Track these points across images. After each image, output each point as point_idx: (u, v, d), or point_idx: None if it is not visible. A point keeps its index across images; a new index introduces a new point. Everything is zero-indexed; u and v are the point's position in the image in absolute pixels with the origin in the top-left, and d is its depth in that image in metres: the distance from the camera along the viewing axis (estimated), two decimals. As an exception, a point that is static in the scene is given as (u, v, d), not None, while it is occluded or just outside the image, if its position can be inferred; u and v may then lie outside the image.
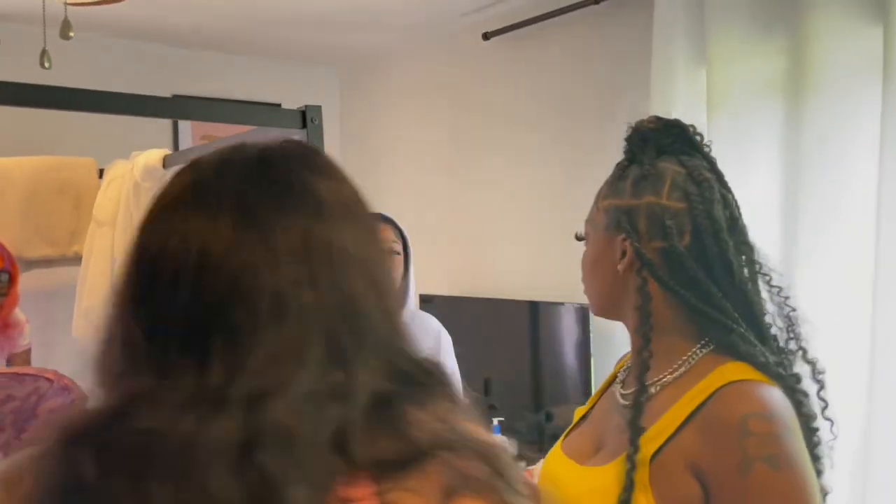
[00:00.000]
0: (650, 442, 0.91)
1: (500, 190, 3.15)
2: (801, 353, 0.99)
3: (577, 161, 2.80)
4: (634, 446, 0.91)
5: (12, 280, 2.40)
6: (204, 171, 0.65)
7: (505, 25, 2.97)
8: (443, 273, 3.36)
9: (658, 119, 1.05)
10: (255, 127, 1.59)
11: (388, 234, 2.00)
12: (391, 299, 0.65)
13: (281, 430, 0.54)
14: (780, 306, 0.99)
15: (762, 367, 0.92)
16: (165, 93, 3.51)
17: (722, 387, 0.90)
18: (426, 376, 0.64)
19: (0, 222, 2.52)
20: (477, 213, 3.29)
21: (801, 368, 0.99)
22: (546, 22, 2.81)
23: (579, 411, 1.15)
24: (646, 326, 0.98)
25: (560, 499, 1.01)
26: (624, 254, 1.00)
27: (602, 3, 2.58)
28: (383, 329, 0.63)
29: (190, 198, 0.63)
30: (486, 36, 3.05)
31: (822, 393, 1.00)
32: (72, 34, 1.51)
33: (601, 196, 1.07)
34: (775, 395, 0.90)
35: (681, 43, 2.24)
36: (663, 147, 1.03)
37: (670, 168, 1.00)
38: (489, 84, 3.20)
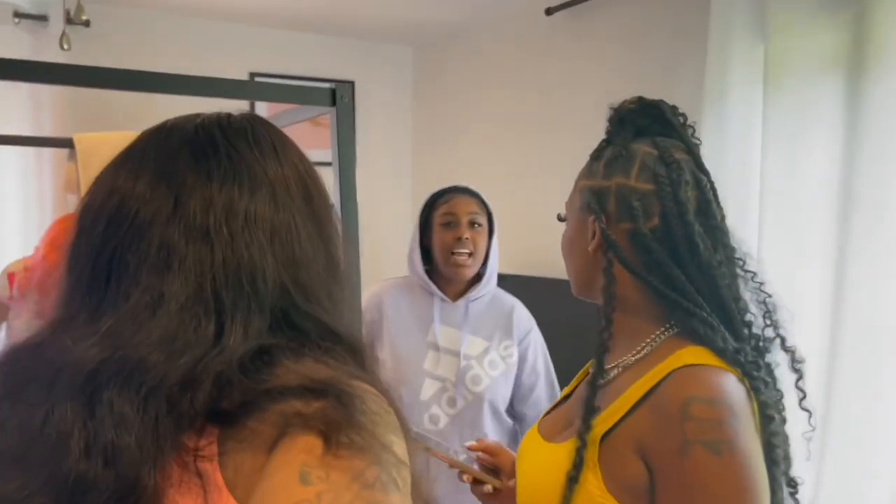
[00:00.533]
0: (604, 422, 0.92)
1: (568, 166, 3.11)
2: (779, 340, 0.97)
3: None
4: (586, 425, 0.92)
5: None
6: (144, 136, 0.71)
7: (567, 0, 2.94)
8: (510, 251, 3.37)
9: (640, 100, 1.04)
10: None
11: (472, 207, 2.02)
12: (308, 266, 0.68)
13: (129, 367, 0.58)
14: (754, 292, 0.97)
15: (720, 353, 0.91)
16: (242, 71, 3.67)
17: (675, 370, 0.89)
18: (329, 339, 0.66)
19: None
20: (546, 190, 3.27)
21: (779, 356, 0.96)
22: (607, -4, 2.76)
23: (566, 390, 1.16)
24: (608, 308, 0.98)
25: (522, 473, 1.03)
26: (594, 235, 0.99)
27: (663, -23, 2.52)
28: (282, 293, 0.65)
29: (125, 157, 0.69)
30: (548, 11, 3.03)
31: (800, 383, 0.98)
32: (84, 17, 1.61)
33: (579, 177, 1.07)
34: (727, 382, 0.88)
35: (740, 16, 2.16)
36: (641, 128, 1.02)
37: (642, 149, 0.99)
38: (551, 60, 3.17)
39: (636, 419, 0.90)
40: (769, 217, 2.09)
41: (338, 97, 1.54)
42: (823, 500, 1.94)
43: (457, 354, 1.99)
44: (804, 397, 0.98)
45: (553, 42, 3.15)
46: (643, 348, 0.97)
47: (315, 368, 0.62)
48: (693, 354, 0.91)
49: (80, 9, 1.68)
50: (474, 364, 1.98)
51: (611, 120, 1.06)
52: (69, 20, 3.18)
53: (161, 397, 0.57)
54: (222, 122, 0.71)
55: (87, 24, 3.35)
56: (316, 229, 0.70)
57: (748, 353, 0.92)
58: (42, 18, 3.18)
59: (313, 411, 0.57)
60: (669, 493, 0.85)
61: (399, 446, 0.60)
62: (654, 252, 0.95)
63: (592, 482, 0.90)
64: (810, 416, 0.98)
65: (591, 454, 0.91)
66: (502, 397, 2.02)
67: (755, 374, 0.91)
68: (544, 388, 2.09)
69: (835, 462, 1.93)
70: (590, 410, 0.93)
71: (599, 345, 0.98)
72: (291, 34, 3.80)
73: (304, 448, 0.56)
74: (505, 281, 3.30)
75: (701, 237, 0.94)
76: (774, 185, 2.08)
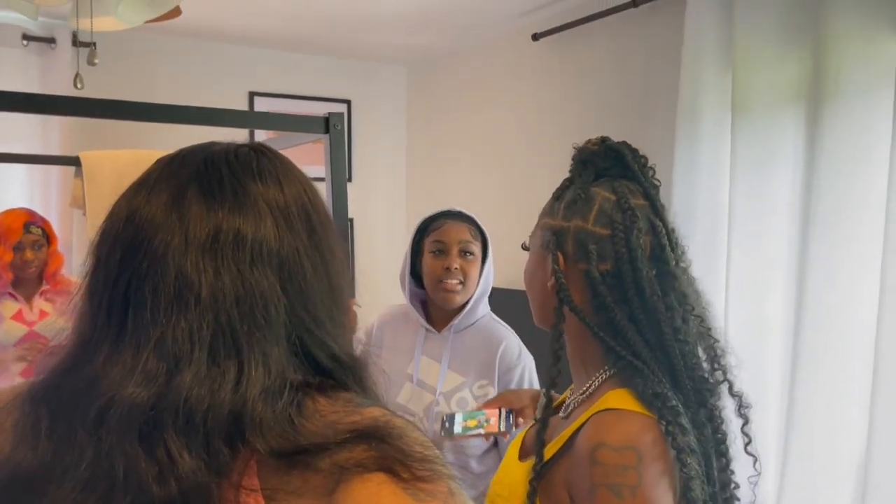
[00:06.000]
0: (549, 451, 0.99)
1: (549, 184, 3.25)
2: (727, 385, 1.01)
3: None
4: (539, 457, 0.98)
5: (49, 237, 2.77)
6: (160, 163, 0.73)
7: (552, 27, 3.09)
8: (503, 266, 3.49)
9: (602, 141, 1.08)
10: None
11: (464, 234, 1.91)
12: (314, 294, 0.69)
13: (179, 409, 0.60)
14: (701, 337, 1.00)
15: (639, 397, 0.94)
16: (242, 91, 3.80)
17: (597, 413, 0.94)
18: (341, 369, 0.69)
19: (91, 208, 2.82)
20: (535, 205, 3.39)
21: (726, 402, 1.00)
22: (589, 24, 2.91)
23: (557, 402, 1.19)
24: (556, 345, 1.02)
25: (496, 482, 1.09)
26: (552, 273, 1.03)
27: (640, 7, 2.66)
28: (294, 322, 0.67)
29: (141, 184, 0.71)
30: (535, 37, 3.17)
31: (745, 428, 1.02)
32: (97, 61, 1.72)
33: (542, 213, 1.11)
34: (639, 427, 0.92)
35: (709, 47, 2.30)
36: (601, 170, 1.06)
37: (601, 194, 1.03)
38: (538, 82, 3.32)
39: (567, 456, 0.95)
40: (737, 235, 2.23)
41: (331, 125, 1.67)
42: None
43: (431, 390, 1.89)
44: (749, 442, 1.02)
45: (539, 66, 3.30)
46: (589, 387, 1.02)
47: (347, 412, 0.64)
48: (617, 398, 0.95)
49: (92, 51, 1.78)
50: (442, 401, 1.87)
51: (574, 159, 1.09)
52: (75, 42, 3.32)
53: (214, 439, 0.60)
54: (230, 156, 0.73)
55: (93, 46, 3.50)
56: (319, 257, 0.71)
57: (669, 399, 0.93)
58: (50, 41, 3.31)
59: (369, 456, 0.60)
60: None
61: (445, 461, 0.64)
62: (601, 295, 0.98)
63: None
64: (755, 461, 1.02)
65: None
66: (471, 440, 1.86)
67: (671, 419, 0.92)
68: None
69: (795, 474, 2.05)
70: (540, 444, 0.99)
71: (548, 380, 1.04)
72: (290, 55, 3.94)
73: (381, 482, 0.59)
74: (498, 295, 3.42)
75: (649, 282, 0.97)
76: (742, 205, 2.21)
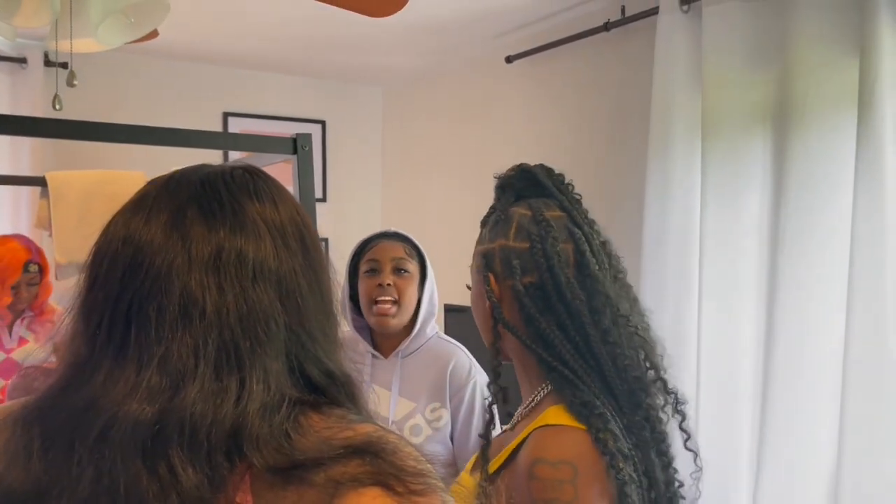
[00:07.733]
0: (494, 464, 1.01)
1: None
2: (661, 384, 1.02)
3: (590, 177, 2.90)
4: (485, 474, 1.00)
5: (43, 271, 2.74)
6: (155, 185, 0.74)
7: (525, 50, 3.11)
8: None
9: (518, 167, 1.13)
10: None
11: (397, 252, 1.89)
12: (309, 311, 0.71)
13: (184, 424, 0.61)
14: (629, 337, 1.01)
15: (569, 409, 0.97)
16: (217, 112, 3.79)
17: (536, 429, 0.97)
18: (334, 385, 0.70)
19: (57, 229, 2.78)
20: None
21: (662, 399, 1.02)
22: (562, 47, 2.93)
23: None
24: (494, 363, 1.05)
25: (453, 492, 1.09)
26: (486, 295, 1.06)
27: (612, 31, 2.69)
28: (292, 338, 0.68)
29: (137, 205, 0.72)
30: (509, 59, 3.20)
31: (683, 424, 1.04)
32: (76, 82, 1.71)
33: (476, 243, 1.14)
34: (573, 441, 0.94)
35: (679, 70, 2.33)
36: (520, 192, 1.11)
37: (518, 212, 1.08)
38: (511, 104, 3.34)
39: (508, 470, 0.98)
40: (708, 255, 2.24)
41: (299, 146, 1.66)
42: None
43: (383, 420, 1.71)
44: (688, 438, 1.04)
45: (513, 88, 3.32)
46: (532, 400, 1.04)
47: (341, 428, 0.65)
48: (554, 415, 0.98)
49: (72, 73, 1.76)
50: (394, 430, 1.78)
51: (495, 188, 1.15)
52: (47, 62, 3.29)
53: (215, 454, 0.61)
54: (226, 177, 0.74)
55: (70, 67, 3.47)
56: (313, 275, 0.73)
57: (596, 407, 0.96)
58: (21, 61, 3.28)
59: (364, 471, 0.61)
60: None
61: (438, 475, 0.65)
62: (526, 307, 1.02)
63: None
64: (696, 457, 1.05)
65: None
66: None
67: (601, 426, 0.94)
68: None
69: (768, 490, 2.05)
70: (485, 460, 1.02)
71: (490, 396, 1.07)
72: (265, 76, 3.93)
73: (375, 496, 0.60)
74: (466, 312, 3.40)
75: (570, 287, 1.00)
76: (713, 225, 2.23)
